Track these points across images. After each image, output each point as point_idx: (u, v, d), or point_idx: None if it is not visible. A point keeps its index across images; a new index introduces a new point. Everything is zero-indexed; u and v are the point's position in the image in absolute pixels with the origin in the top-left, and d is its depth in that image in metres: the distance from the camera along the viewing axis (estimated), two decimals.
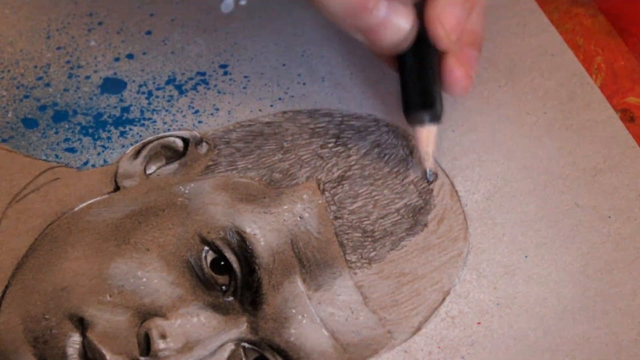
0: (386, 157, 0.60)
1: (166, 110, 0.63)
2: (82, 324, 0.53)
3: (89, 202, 0.59)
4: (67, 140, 0.62)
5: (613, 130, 0.63)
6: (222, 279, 0.54)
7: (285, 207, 0.56)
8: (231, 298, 0.54)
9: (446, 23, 0.56)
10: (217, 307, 0.54)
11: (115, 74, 0.65)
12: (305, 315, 0.54)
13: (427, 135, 0.59)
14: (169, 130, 0.62)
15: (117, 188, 0.59)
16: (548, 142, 0.62)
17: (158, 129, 0.63)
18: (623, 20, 0.68)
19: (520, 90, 0.65)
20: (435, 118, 0.58)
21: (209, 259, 0.55)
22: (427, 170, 0.59)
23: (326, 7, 0.55)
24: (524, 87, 0.65)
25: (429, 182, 0.59)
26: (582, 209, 0.60)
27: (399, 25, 0.56)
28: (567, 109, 0.64)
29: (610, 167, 0.62)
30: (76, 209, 0.58)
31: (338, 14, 0.55)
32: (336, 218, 0.57)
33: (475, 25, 0.59)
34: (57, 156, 0.61)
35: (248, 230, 0.55)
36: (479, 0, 0.59)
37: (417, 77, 0.58)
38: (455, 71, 0.58)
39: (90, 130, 0.62)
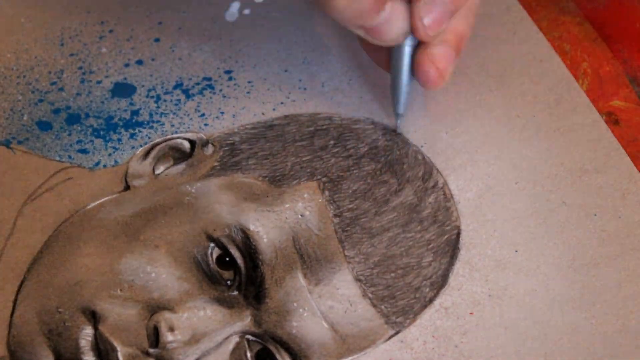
0: (383, 158, 0.60)
1: (174, 114, 0.64)
2: (94, 317, 0.53)
3: (101, 200, 0.59)
4: (79, 141, 0.63)
5: (598, 133, 0.63)
6: (227, 274, 0.55)
7: (287, 205, 0.57)
8: (236, 292, 0.55)
9: (425, 18, 0.57)
10: (222, 301, 0.54)
11: (125, 79, 0.65)
12: (306, 309, 0.54)
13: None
14: (176, 132, 0.63)
15: (127, 187, 0.60)
16: (537, 143, 0.63)
17: (166, 131, 0.63)
18: (608, 28, 0.68)
19: (511, 94, 0.65)
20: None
21: (215, 255, 0.55)
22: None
23: (336, 11, 0.56)
24: (514, 91, 0.65)
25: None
26: (569, 207, 0.60)
27: (399, 25, 0.57)
28: (555, 113, 0.64)
29: (595, 167, 0.62)
30: (88, 207, 0.59)
31: (347, 17, 0.56)
32: (335, 216, 0.57)
33: (459, 25, 0.59)
34: (70, 157, 0.62)
35: (252, 227, 0.55)
36: (466, 2, 0.59)
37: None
38: (425, 65, 0.59)
39: (101, 133, 0.63)
